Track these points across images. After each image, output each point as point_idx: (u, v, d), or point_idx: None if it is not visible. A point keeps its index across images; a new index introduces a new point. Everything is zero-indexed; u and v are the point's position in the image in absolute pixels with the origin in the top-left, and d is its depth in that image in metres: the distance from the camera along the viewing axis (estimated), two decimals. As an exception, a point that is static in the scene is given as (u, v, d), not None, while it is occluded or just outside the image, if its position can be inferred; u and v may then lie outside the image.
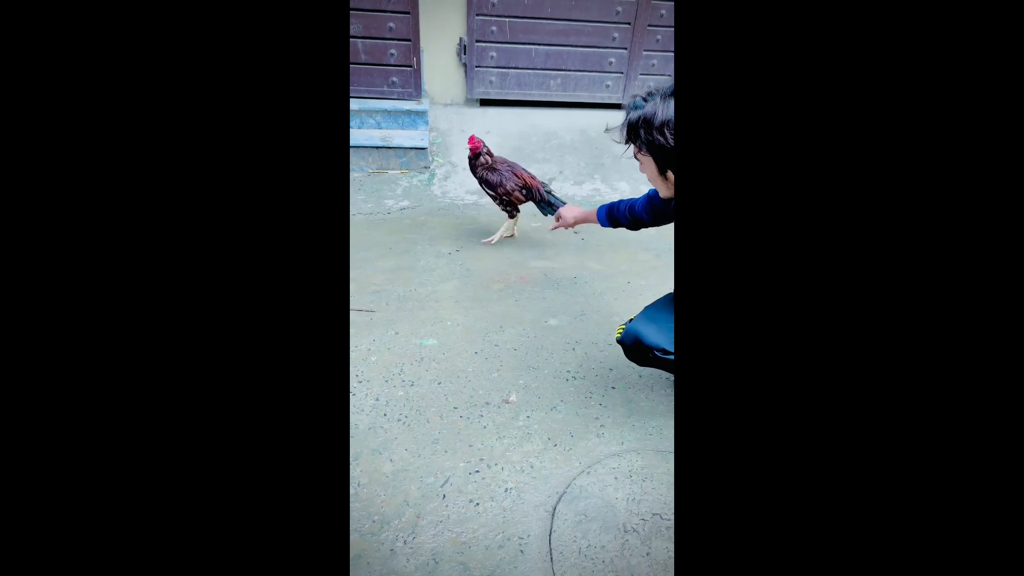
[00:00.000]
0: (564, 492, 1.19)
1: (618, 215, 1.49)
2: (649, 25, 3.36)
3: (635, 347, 1.22)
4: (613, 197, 2.89)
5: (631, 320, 1.25)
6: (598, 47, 3.39)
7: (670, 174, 1.03)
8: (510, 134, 3.26)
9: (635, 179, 3.06)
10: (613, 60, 3.45)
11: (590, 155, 3.23)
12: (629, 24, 3.34)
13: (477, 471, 1.24)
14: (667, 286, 2.04)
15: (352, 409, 1.41)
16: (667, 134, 0.97)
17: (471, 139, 2.23)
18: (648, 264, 2.23)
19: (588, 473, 1.24)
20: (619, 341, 1.27)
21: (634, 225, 1.48)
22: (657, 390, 1.52)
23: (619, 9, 3.29)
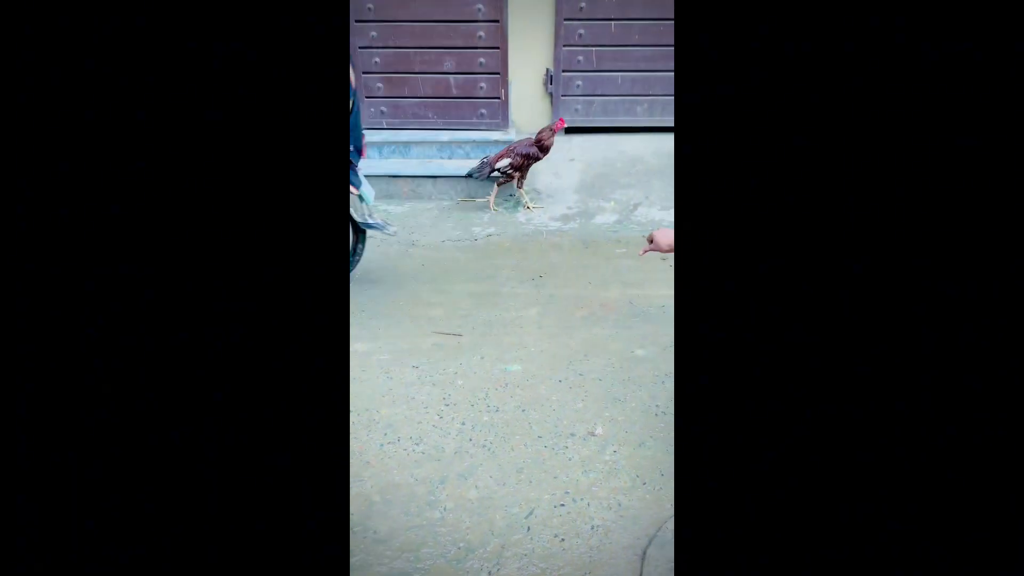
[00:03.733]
0: (655, 535, 1.13)
1: None
2: (742, 46, 3.25)
3: None
4: (703, 223, 2.78)
5: None
6: (687, 71, 3.32)
7: None
8: (594, 160, 3.25)
9: (727, 204, 2.92)
10: (703, 83, 3.36)
11: (678, 180, 3.14)
12: (720, 46, 3.25)
13: (562, 505, 1.21)
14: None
15: (440, 432, 1.44)
16: None
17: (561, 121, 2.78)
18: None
19: (681, 517, 1.17)
20: None
21: None
22: (756, 431, 1.41)
23: (710, 31, 3.21)
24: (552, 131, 2.73)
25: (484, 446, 1.38)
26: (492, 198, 2.90)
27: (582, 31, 3.22)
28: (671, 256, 2.34)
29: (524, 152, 2.73)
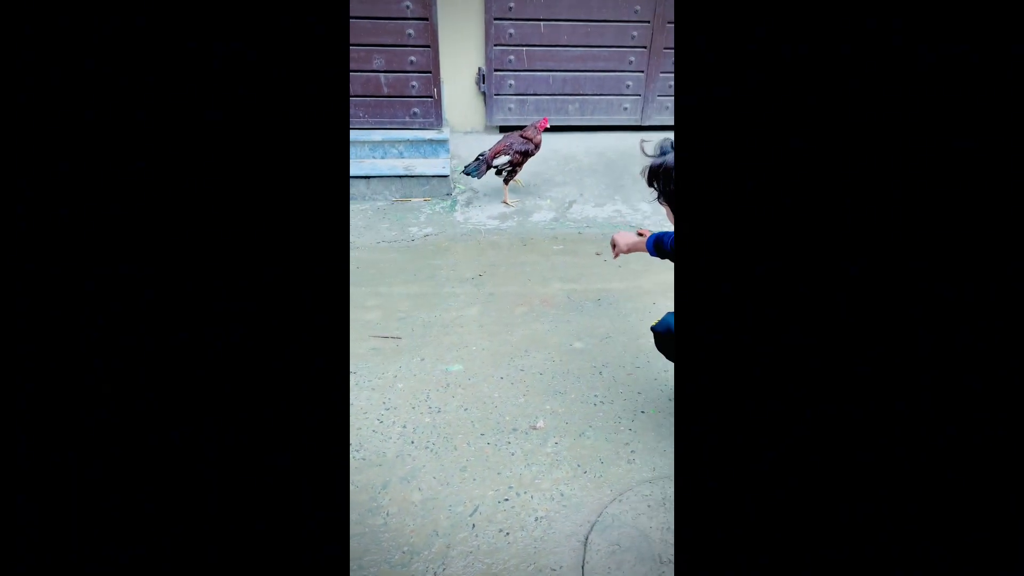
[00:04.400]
0: (596, 521, 1.17)
1: (665, 246, 1.41)
2: (665, 48, 3.40)
3: (666, 335, 1.23)
4: (635, 219, 2.89)
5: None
6: (615, 71, 3.44)
7: None
8: (530, 159, 3.30)
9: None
10: (631, 83, 3.49)
11: (610, 177, 3.24)
12: (645, 48, 3.39)
13: (506, 499, 1.23)
14: (693, 307, 2.02)
15: (380, 437, 1.41)
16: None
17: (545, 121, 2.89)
18: (672, 284, 2.21)
19: (620, 501, 1.21)
20: (653, 328, 1.30)
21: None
22: (688, 414, 1.49)
23: (635, 34, 3.34)
24: (537, 129, 2.84)
25: (426, 448, 1.38)
26: (506, 192, 3.02)
27: (512, 31, 3.26)
28: (606, 252, 2.41)
29: (522, 149, 2.83)
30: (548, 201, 3.02)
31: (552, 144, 3.46)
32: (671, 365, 1.69)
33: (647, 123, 3.61)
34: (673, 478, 1.28)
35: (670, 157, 1.01)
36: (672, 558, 1.08)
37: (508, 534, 1.15)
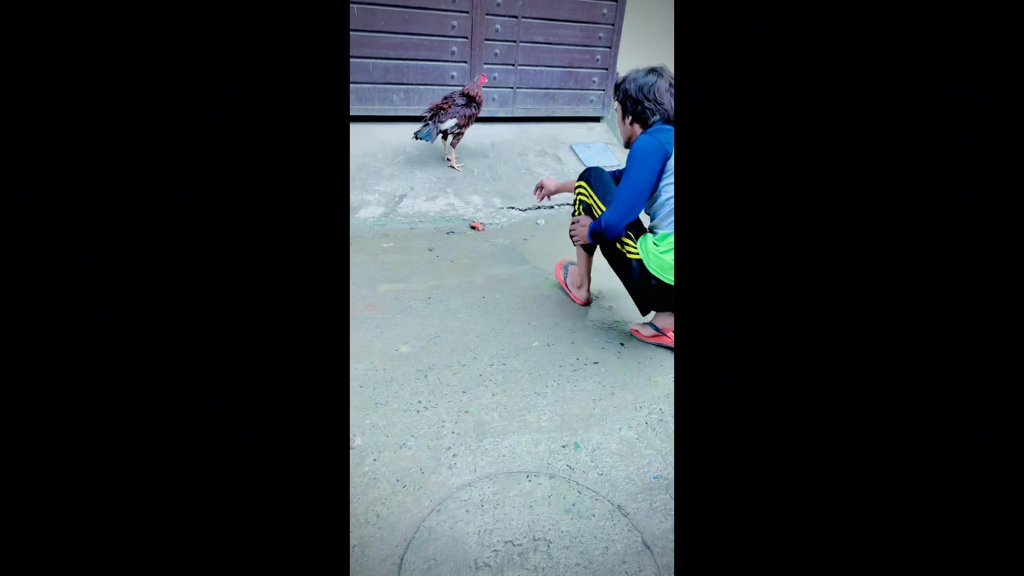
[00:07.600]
0: (412, 538, 1.12)
1: (599, 226, 1.84)
2: (486, 39, 3.44)
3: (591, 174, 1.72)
4: (468, 212, 2.89)
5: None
6: (438, 60, 3.40)
7: (628, 119, 1.65)
8: (355, 151, 3.13)
9: (487, 192, 3.08)
10: (455, 74, 3.47)
11: (441, 169, 3.20)
12: (467, 38, 3.39)
13: (315, 534, 1.13)
14: (522, 298, 2.07)
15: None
16: (629, 86, 1.60)
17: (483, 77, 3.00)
18: (503, 277, 2.25)
19: (438, 511, 1.18)
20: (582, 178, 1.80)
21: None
22: (510, 408, 1.51)
23: (454, 24, 3.32)
24: (478, 85, 2.97)
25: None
26: (452, 158, 3.17)
27: (322, 12, 3.02)
28: (439, 248, 2.37)
29: (469, 114, 2.97)
30: (376, 196, 2.89)
31: (378, 135, 3.32)
32: (496, 359, 1.71)
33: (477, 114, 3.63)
34: (492, 477, 1.28)
35: (624, 73, 1.61)
36: (488, 560, 1.08)
37: None
